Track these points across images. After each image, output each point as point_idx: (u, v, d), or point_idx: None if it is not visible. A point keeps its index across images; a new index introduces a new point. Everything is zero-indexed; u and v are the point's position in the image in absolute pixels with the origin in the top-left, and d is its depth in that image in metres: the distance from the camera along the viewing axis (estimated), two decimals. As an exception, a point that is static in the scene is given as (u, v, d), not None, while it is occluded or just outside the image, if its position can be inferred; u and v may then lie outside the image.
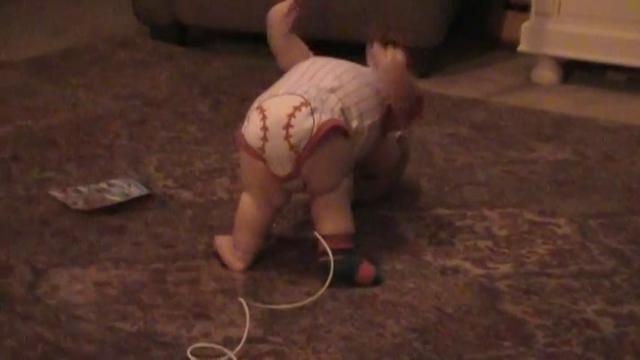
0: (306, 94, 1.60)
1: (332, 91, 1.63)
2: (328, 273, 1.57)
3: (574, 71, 2.84)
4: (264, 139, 1.56)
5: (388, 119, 1.76)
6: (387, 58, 1.72)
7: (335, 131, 1.58)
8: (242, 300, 1.55)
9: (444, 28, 2.84)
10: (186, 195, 1.96)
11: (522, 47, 2.77)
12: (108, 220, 1.84)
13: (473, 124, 2.40)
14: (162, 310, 1.53)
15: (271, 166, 1.58)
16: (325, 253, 1.59)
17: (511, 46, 2.87)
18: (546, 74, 2.79)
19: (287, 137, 1.55)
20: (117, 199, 1.90)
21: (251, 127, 1.59)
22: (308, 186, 1.61)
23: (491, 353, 1.44)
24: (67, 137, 2.25)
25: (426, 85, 2.74)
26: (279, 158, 1.57)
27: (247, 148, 1.59)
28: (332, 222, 1.61)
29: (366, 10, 2.77)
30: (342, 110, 1.62)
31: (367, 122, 1.68)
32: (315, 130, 1.56)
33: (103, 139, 2.25)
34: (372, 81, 1.74)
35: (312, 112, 1.57)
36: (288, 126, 1.55)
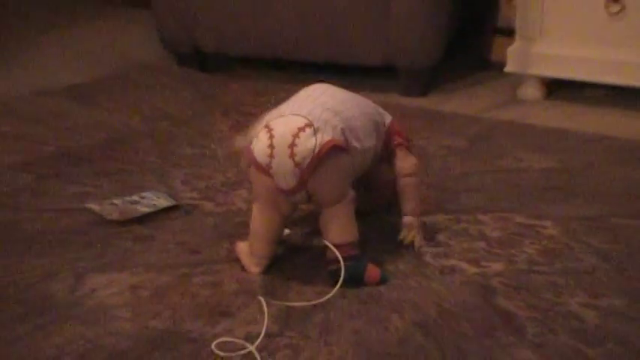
0: (310, 115, 1.59)
1: (335, 113, 1.63)
2: (338, 279, 1.57)
3: (556, 88, 2.84)
4: (271, 156, 1.56)
5: (387, 146, 1.78)
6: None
7: (335, 149, 1.58)
8: (261, 299, 1.55)
9: (441, 51, 2.85)
10: (208, 205, 1.97)
11: (509, 68, 2.77)
12: (139, 230, 1.84)
13: (467, 137, 2.40)
14: (189, 310, 1.54)
15: (277, 180, 1.57)
16: (335, 261, 1.59)
17: (499, 67, 2.88)
18: (531, 92, 2.79)
19: (292, 155, 1.55)
20: (147, 210, 1.91)
21: (259, 145, 1.58)
22: (314, 198, 1.61)
23: (486, 343, 1.44)
24: (102, 155, 2.26)
25: (424, 102, 2.75)
26: (285, 174, 1.56)
27: (256, 163, 1.59)
28: (339, 232, 1.61)
29: (371, 36, 2.77)
30: (343, 131, 1.62)
31: (366, 145, 1.68)
32: (317, 149, 1.56)
33: (134, 157, 2.25)
34: (373, 113, 1.76)
35: (315, 132, 1.57)
36: (292, 145, 1.55)
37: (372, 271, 1.62)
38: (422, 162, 2.17)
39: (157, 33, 3.06)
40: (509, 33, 2.87)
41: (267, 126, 1.60)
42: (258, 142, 1.59)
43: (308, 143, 1.56)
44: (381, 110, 1.82)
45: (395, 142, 1.80)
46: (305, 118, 1.58)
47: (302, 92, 1.72)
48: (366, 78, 2.96)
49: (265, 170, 1.58)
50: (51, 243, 1.78)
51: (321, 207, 1.62)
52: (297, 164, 1.55)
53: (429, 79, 2.87)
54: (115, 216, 1.88)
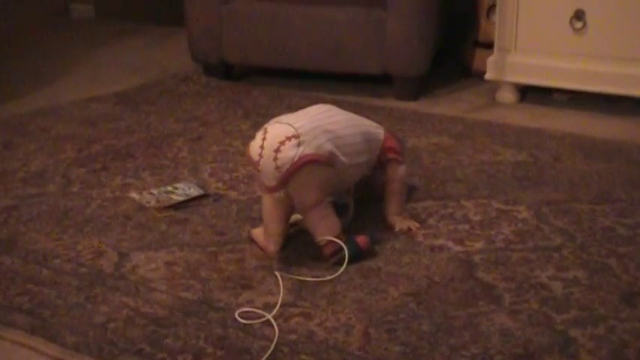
0: (302, 128, 1.57)
1: (328, 132, 1.61)
2: (342, 262, 1.57)
3: (528, 93, 2.82)
4: (260, 155, 1.55)
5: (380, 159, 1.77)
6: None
7: (315, 163, 1.55)
8: (277, 274, 1.55)
9: (429, 62, 2.83)
10: (233, 194, 1.96)
11: (488, 76, 2.76)
12: (174, 215, 1.84)
13: (452, 135, 2.39)
14: (216, 283, 1.53)
15: (262, 177, 1.57)
16: (333, 254, 1.58)
17: (480, 75, 2.86)
18: (507, 96, 2.78)
19: (275, 159, 1.54)
20: (180, 198, 1.90)
21: (254, 144, 1.58)
22: (294, 200, 1.58)
23: (469, 311, 1.43)
24: (142, 152, 2.25)
25: (416, 106, 2.74)
26: (267, 173, 1.55)
27: (249, 159, 1.59)
28: (325, 227, 1.59)
29: (370, 49, 2.76)
30: (331, 148, 1.59)
31: (356, 161, 1.67)
32: (296, 159, 1.54)
33: (169, 153, 2.25)
34: (368, 132, 1.73)
35: (299, 144, 1.54)
36: (277, 150, 1.54)
37: (362, 240, 1.61)
38: (413, 157, 2.17)
39: (188, 47, 3.05)
40: (489, 45, 2.85)
41: (265, 128, 1.59)
42: (254, 141, 1.58)
43: (290, 152, 1.54)
44: (375, 128, 1.78)
45: (389, 157, 1.77)
46: (295, 130, 1.56)
47: (308, 108, 1.70)
48: (366, 85, 2.95)
49: (255, 166, 1.57)
50: (99, 226, 1.78)
51: (302, 211, 1.60)
52: (277, 168, 1.54)
53: (420, 85, 2.86)
54: (152, 204, 1.88)
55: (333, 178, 1.62)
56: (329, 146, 1.59)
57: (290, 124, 1.58)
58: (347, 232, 1.62)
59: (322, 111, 1.69)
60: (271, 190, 1.57)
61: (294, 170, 1.54)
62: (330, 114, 1.68)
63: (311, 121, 1.61)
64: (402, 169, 1.78)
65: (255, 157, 1.56)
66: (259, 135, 1.58)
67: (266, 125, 1.60)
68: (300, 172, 1.54)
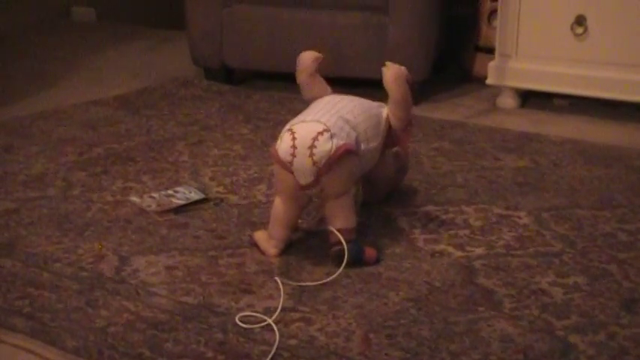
0: (328, 122, 1.60)
1: (347, 121, 1.63)
2: (342, 259, 1.57)
3: (529, 98, 2.82)
4: (293, 155, 1.56)
5: (388, 139, 1.75)
6: (392, 69, 1.73)
7: (347, 152, 1.58)
8: (277, 279, 1.55)
9: (430, 67, 2.83)
10: (233, 198, 1.96)
11: (489, 81, 2.76)
12: (174, 219, 1.84)
13: (453, 140, 2.39)
14: (216, 287, 1.53)
15: (297, 176, 1.57)
16: (338, 243, 1.58)
17: (481, 80, 2.86)
18: (508, 101, 2.78)
19: (311, 155, 1.55)
20: (181, 202, 1.90)
21: (283, 145, 1.58)
22: (324, 192, 1.61)
23: (469, 317, 1.43)
24: (142, 155, 2.25)
25: (416, 111, 2.72)
26: (304, 171, 1.56)
27: (279, 161, 1.59)
28: (343, 218, 1.60)
29: (371, 54, 2.76)
30: (355, 136, 1.62)
31: (372, 145, 1.68)
32: (333, 151, 1.56)
33: (170, 156, 2.25)
34: (376, 113, 1.74)
35: (332, 137, 1.57)
36: (312, 147, 1.55)
37: (370, 252, 1.61)
38: (414, 161, 2.17)
39: (189, 51, 3.05)
40: (490, 50, 2.85)
41: (290, 129, 1.60)
42: (282, 143, 1.59)
43: (325, 146, 1.56)
44: (378, 108, 1.78)
45: (405, 141, 1.81)
46: (324, 125, 1.58)
47: (320, 101, 1.72)
48: (366, 89, 2.94)
49: (287, 167, 1.57)
50: (100, 230, 1.78)
51: (328, 199, 1.61)
52: (315, 163, 1.55)
53: (421, 90, 2.85)
54: (153, 207, 1.87)
55: (358, 166, 1.65)
56: (353, 134, 1.62)
57: (317, 121, 1.60)
58: (360, 236, 1.63)
59: (335, 101, 1.70)
60: (307, 187, 1.59)
61: (333, 163, 1.56)
62: (343, 103, 1.70)
63: (332, 113, 1.63)
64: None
65: (288, 158, 1.57)
66: (287, 136, 1.59)
67: (289, 127, 1.61)
68: (336, 164, 1.56)
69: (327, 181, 1.58)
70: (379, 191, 1.87)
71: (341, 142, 1.57)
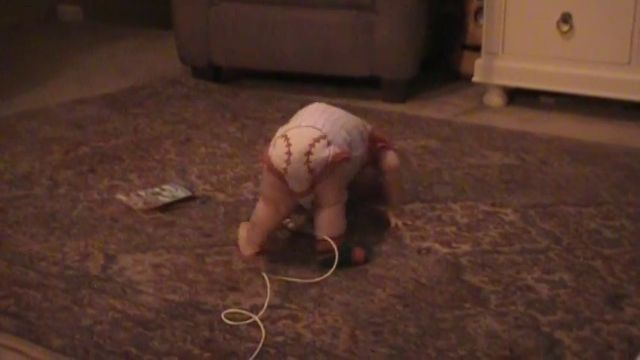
0: (324, 127, 1.56)
1: (341, 127, 1.61)
2: (331, 266, 1.56)
3: (516, 96, 2.83)
4: (288, 162, 1.51)
5: (371, 151, 1.77)
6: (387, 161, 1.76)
7: (346, 160, 1.56)
8: (264, 276, 1.54)
9: (417, 65, 2.84)
10: (220, 196, 1.96)
11: (476, 78, 2.76)
12: (161, 217, 1.83)
13: (440, 138, 2.39)
14: (203, 285, 1.53)
15: (290, 184, 1.53)
16: (326, 251, 1.57)
17: (467, 78, 2.87)
18: (494, 99, 2.79)
19: (307, 162, 1.51)
20: (168, 200, 1.90)
21: (277, 152, 1.53)
22: (317, 200, 1.57)
23: (456, 313, 1.43)
24: (129, 154, 2.25)
25: (404, 108, 2.75)
26: (298, 178, 1.52)
27: (272, 168, 1.54)
28: (334, 227, 1.58)
29: (359, 52, 2.76)
30: (349, 143, 1.61)
31: (356, 154, 1.67)
32: (330, 158, 1.53)
33: (157, 155, 2.24)
34: (357, 125, 1.73)
35: (329, 144, 1.54)
36: (308, 153, 1.51)
37: (359, 253, 1.61)
38: (401, 159, 2.17)
39: (177, 50, 3.04)
40: (476, 48, 2.86)
41: (284, 136, 1.55)
42: (276, 149, 1.54)
43: (322, 153, 1.52)
44: (363, 122, 1.79)
45: (379, 145, 1.78)
46: (319, 131, 1.55)
47: (309, 108, 1.68)
48: (354, 87, 2.95)
49: (280, 174, 1.53)
50: (86, 229, 1.78)
51: (321, 207, 1.58)
52: (310, 170, 1.51)
53: (408, 88, 2.86)
54: (140, 205, 1.87)
55: (351, 173, 1.64)
56: (348, 140, 1.61)
57: (312, 126, 1.56)
58: (348, 236, 1.63)
59: (325, 109, 1.68)
60: (301, 194, 1.55)
61: (329, 170, 1.53)
62: (331, 111, 1.68)
63: (328, 119, 1.60)
64: (394, 156, 1.78)
65: (282, 165, 1.52)
66: (280, 142, 1.54)
67: (283, 133, 1.56)
68: (332, 171, 1.54)
69: (321, 188, 1.54)
70: (365, 190, 1.87)
71: (338, 150, 1.54)
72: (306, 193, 1.55)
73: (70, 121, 2.55)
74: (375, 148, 1.77)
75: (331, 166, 1.53)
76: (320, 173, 1.52)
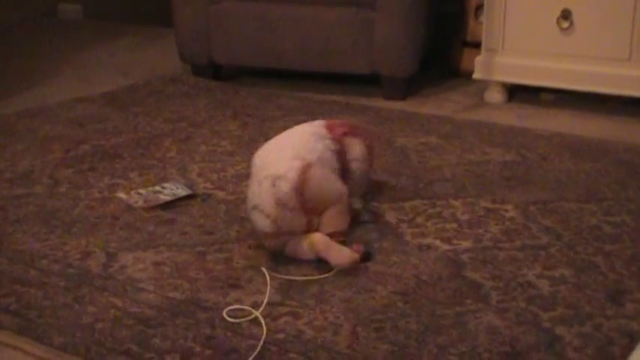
0: (309, 154, 1.63)
1: (292, 158, 1.63)
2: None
3: (516, 93, 2.83)
4: (272, 224, 1.58)
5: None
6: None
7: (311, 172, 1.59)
8: (265, 272, 1.55)
9: (418, 62, 2.84)
10: (221, 194, 1.96)
11: (476, 75, 2.76)
12: (162, 215, 1.83)
13: (440, 135, 2.39)
14: (204, 282, 1.53)
15: (288, 226, 1.58)
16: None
17: (468, 75, 2.87)
18: (495, 96, 2.79)
19: (281, 208, 1.57)
20: (168, 198, 1.90)
21: (258, 223, 1.60)
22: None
23: (457, 309, 1.43)
24: (130, 152, 2.25)
25: (404, 105, 2.75)
26: (290, 222, 1.57)
27: (263, 235, 1.62)
28: (337, 223, 1.61)
29: (359, 50, 2.76)
30: (308, 160, 1.63)
31: (327, 155, 1.69)
32: (280, 195, 1.56)
33: (157, 153, 2.24)
34: (310, 131, 1.73)
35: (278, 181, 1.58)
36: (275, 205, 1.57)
37: (357, 247, 1.61)
38: (402, 156, 2.17)
39: (177, 48, 3.04)
40: (476, 45, 2.86)
41: (255, 206, 1.60)
42: (256, 222, 1.61)
43: (279, 194, 1.57)
44: (314, 123, 1.78)
45: (341, 132, 1.77)
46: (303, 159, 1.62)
47: (257, 156, 1.69)
48: (354, 85, 2.95)
49: (275, 234, 1.59)
50: (87, 227, 1.78)
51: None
52: (291, 210, 1.57)
53: (408, 85, 2.86)
54: (140, 204, 1.87)
55: (331, 170, 1.68)
56: (301, 165, 1.62)
57: (301, 158, 1.62)
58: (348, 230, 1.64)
59: (271, 148, 1.69)
60: (310, 211, 1.60)
61: (300, 195, 1.58)
62: (281, 145, 1.69)
63: (276, 157, 1.64)
64: (358, 144, 1.78)
65: (266, 229, 1.59)
66: (255, 214, 1.60)
67: (252, 205, 1.61)
68: (302, 194, 1.58)
69: (315, 203, 1.59)
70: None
71: (288, 184, 1.56)
72: (312, 212, 1.58)
73: (71, 119, 2.55)
74: (337, 137, 1.75)
75: (299, 190, 1.55)
76: (294, 205, 1.55)
